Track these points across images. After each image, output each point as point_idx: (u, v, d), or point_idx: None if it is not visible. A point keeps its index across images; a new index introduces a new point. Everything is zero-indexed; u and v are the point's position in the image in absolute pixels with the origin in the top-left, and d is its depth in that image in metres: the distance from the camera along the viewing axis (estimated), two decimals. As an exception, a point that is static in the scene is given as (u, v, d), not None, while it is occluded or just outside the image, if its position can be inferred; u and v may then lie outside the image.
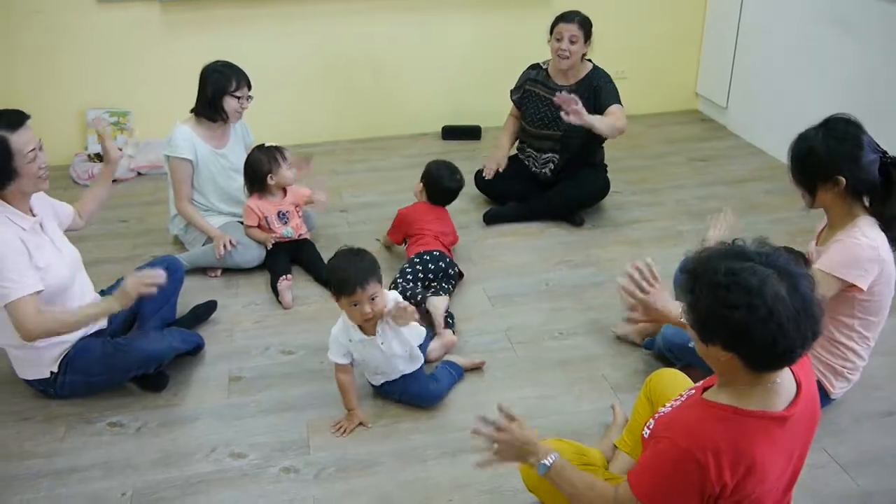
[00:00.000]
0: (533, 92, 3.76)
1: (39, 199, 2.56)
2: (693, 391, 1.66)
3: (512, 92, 3.88)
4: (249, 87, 3.35)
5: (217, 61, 3.33)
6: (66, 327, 2.43)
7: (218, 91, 3.27)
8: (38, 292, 2.34)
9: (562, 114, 3.39)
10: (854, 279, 2.18)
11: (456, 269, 3.22)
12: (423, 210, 3.34)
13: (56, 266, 2.44)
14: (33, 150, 2.35)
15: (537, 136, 3.78)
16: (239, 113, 3.35)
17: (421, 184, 3.39)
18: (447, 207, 3.43)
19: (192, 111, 3.35)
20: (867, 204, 2.25)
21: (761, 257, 1.43)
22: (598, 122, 3.44)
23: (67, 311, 2.47)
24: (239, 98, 3.30)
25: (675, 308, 1.97)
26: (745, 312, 1.38)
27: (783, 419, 1.48)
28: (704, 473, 1.43)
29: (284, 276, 3.20)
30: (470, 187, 4.04)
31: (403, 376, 2.54)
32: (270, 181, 3.28)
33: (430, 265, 3.12)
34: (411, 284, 3.04)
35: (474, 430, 1.74)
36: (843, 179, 2.18)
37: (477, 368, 2.75)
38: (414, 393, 2.57)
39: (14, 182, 2.33)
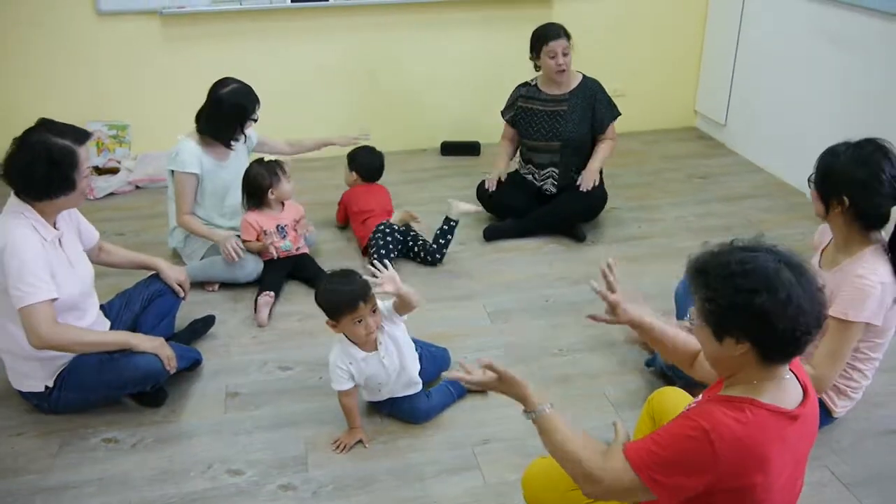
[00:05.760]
0: (526, 108, 3.79)
1: (67, 212, 2.55)
2: (696, 402, 1.65)
3: (503, 112, 3.90)
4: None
5: (232, 83, 3.27)
6: (78, 345, 2.42)
7: (240, 118, 3.28)
8: (54, 300, 2.33)
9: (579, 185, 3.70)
10: (870, 319, 2.18)
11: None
12: (361, 190, 3.76)
13: (67, 283, 2.42)
14: (89, 167, 2.42)
15: (537, 148, 3.80)
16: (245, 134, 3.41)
17: (351, 172, 3.83)
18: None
19: (201, 132, 3.30)
20: (878, 238, 2.24)
21: (763, 247, 1.49)
22: (600, 163, 3.77)
23: (86, 330, 2.47)
24: (256, 121, 3.36)
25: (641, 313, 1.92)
26: (767, 296, 1.41)
27: (795, 417, 1.50)
28: (714, 456, 1.43)
29: (266, 293, 3.17)
30: (471, 202, 4.03)
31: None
32: (271, 195, 3.27)
33: (396, 234, 3.46)
34: (385, 250, 3.39)
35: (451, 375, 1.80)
36: (847, 201, 2.17)
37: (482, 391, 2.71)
38: (404, 408, 2.55)
39: (69, 195, 2.37)
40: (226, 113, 3.25)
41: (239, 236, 3.36)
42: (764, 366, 1.49)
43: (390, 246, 3.41)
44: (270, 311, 3.16)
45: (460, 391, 2.66)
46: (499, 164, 3.94)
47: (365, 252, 3.55)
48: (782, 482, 1.52)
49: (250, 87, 3.31)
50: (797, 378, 1.57)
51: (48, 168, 2.30)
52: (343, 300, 2.32)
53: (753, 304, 1.42)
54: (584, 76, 3.76)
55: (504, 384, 1.73)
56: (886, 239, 2.24)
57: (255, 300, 3.18)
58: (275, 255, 3.30)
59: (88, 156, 2.41)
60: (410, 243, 3.55)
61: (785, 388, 1.52)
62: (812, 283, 1.45)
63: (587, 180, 3.69)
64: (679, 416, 1.54)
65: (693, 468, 1.46)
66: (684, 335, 1.87)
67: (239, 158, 3.46)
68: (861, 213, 2.18)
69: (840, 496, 2.25)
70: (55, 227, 2.46)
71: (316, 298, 2.42)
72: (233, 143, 3.35)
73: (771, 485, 1.48)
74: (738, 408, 1.47)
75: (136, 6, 4.27)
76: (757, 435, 1.45)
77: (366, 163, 3.80)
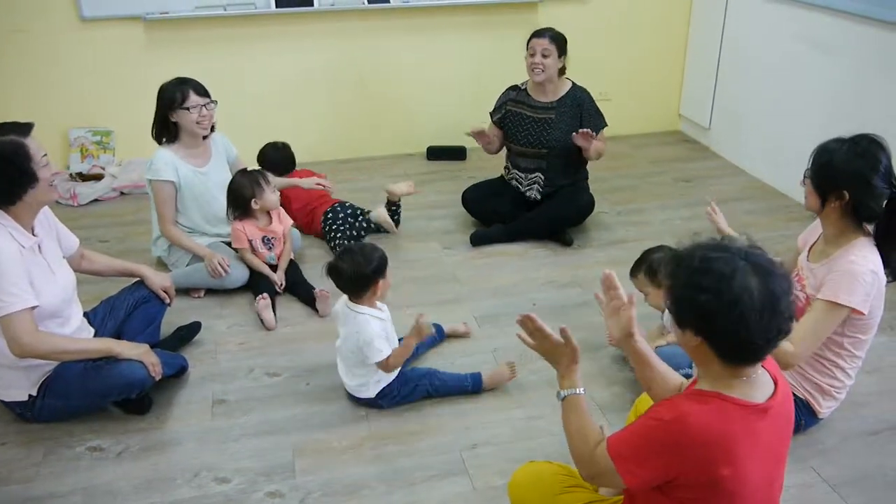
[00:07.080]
0: (515, 112, 3.79)
1: (45, 218, 2.52)
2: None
3: (491, 114, 3.89)
4: (203, 95, 3.22)
5: (167, 81, 3.26)
6: (60, 353, 2.40)
7: (164, 110, 3.23)
8: (34, 307, 2.31)
9: (574, 135, 3.57)
10: (859, 306, 2.19)
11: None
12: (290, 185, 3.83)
13: (47, 290, 2.39)
14: (45, 155, 2.38)
15: (523, 154, 3.80)
16: (200, 124, 3.23)
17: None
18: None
19: (160, 138, 3.30)
20: (869, 230, 2.25)
21: (740, 251, 1.49)
22: (592, 147, 3.64)
23: (68, 338, 2.45)
24: (190, 109, 3.19)
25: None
26: (711, 296, 1.44)
27: (765, 410, 1.52)
28: (683, 447, 1.47)
29: (261, 296, 3.17)
30: (457, 207, 4.04)
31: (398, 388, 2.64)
32: (255, 206, 3.26)
33: (347, 216, 3.70)
34: (345, 234, 3.63)
35: (522, 318, 1.81)
36: (847, 195, 2.18)
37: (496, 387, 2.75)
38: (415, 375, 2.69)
39: (34, 187, 2.33)
40: (158, 110, 3.24)
41: (228, 244, 3.35)
42: (725, 364, 1.51)
43: (344, 229, 3.65)
44: (274, 311, 3.17)
45: (477, 382, 2.72)
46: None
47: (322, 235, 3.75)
48: (757, 479, 1.53)
49: (182, 79, 3.23)
50: (768, 371, 1.59)
51: (3, 167, 2.27)
52: (382, 254, 2.55)
53: (696, 301, 1.46)
54: (573, 84, 3.76)
55: (562, 352, 1.75)
56: (872, 231, 2.26)
57: (256, 310, 3.16)
58: (278, 282, 3.31)
59: (39, 146, 2.36)
60: (360, 220, 3.70)
61: (754, 384, 1.54)
62: (775, 295, 1.44)
63: (587, 139, 3.56)
64: (649, 409, 1.60)
65: (653, 458, 1.51)
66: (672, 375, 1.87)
67: (218, 165, 3.43)
68: (860, 206, 2.19)
69: (826, 497, 2.26)
70: (33, 234, 2.43)
71: (363, 270, 2.49)
72: (180, 137, 3.27)
73: (742, 479, 1.49)
74: (704, 400, 1.51)
75: (120, 12, 4.25)
76: (722, 427, 1.47)
77: (271, 159, 3.93)
